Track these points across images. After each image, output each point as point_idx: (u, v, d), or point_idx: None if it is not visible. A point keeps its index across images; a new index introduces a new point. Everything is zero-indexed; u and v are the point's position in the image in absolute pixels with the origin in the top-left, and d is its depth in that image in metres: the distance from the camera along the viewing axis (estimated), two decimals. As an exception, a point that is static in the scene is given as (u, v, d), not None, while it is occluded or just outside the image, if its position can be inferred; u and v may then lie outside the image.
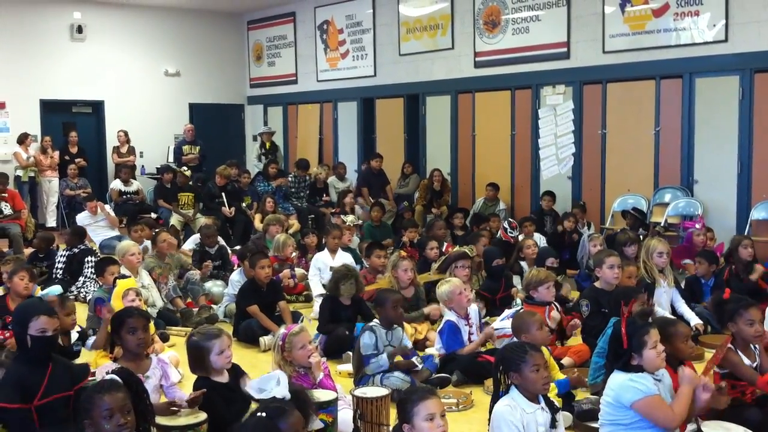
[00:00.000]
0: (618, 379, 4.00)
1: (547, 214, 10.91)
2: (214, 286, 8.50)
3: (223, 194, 12.24)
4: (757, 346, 4.67)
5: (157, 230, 8.89)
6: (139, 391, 3.64)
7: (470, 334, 6.00)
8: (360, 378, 5.38)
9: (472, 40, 12.53)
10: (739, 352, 4.58)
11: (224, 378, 4.48)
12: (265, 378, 3.81)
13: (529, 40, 11.75)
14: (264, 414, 3.03)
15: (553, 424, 3.85)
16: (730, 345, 4.62)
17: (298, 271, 8.85)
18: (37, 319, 4.25)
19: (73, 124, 14.89)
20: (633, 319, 4.13)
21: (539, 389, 3.84)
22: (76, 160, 13.99)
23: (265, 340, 6.72)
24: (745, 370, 4.54)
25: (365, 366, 5.39)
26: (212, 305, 7.97)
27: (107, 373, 3.73)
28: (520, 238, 9.06)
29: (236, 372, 4.59)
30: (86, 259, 8.32)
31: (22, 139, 13.65)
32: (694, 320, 6.42)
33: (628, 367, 3.97)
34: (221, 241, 9.63)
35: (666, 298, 6.59)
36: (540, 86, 11.75)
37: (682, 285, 7.31)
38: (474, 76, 12.56)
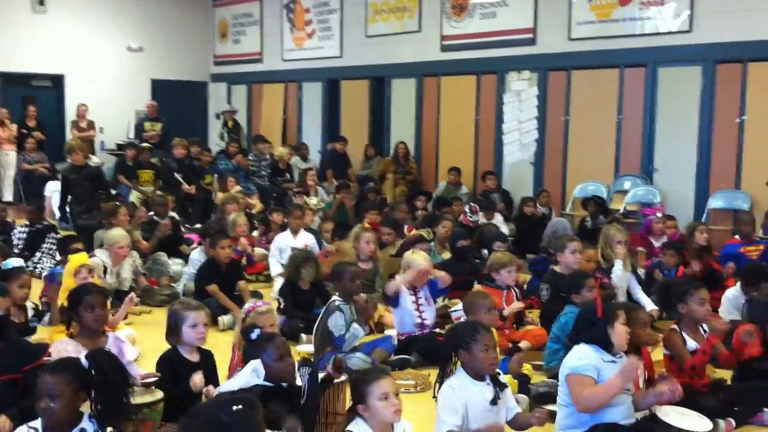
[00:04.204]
0: (572, 352, 4.07)
1: (493, 193, 11.01)
2: (173, 264, 8.44)
3: (180, 170, 12.06)
4: (707, 329, 4.77)
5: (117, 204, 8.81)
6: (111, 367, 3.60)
7: (419, 306, 6.06)
8: (321, 358, 5.38)
9: (439, 24, 12.50)
10: (684, 334, 4.68)
11: (194, 356, 4.47)
12: (245, 372, 3.86)
13: (496, 25, 11.75)
14: (242, 406, 2.87)
15: (494, 401, 3.87)
16: (674, 326, 4.73)
17: (259, 250, 8.82)
18: None
19: (32, 98, 14.63)
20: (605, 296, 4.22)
21: (486, 369, 3.87)
22: (34, 134, 13.74)
23: (224, 319, 6.71)
24: (682, 351, 4.64)
25: (339, 345, 5.41)
26: (172, 284, 7.91)
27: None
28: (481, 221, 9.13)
29: (207, 357, 4.58)
30: (48, 236, 8.22)
31: (-21, 112, 13.39)
32: (650, 306, 6.51)
33: (599, 338, 4.03)
34: (172, 213, 9.59)
35: (622, 284, 6.67)
36: (505, 72, 11.77)
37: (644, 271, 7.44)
38: (440, 59, 12.56)
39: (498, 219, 9.62)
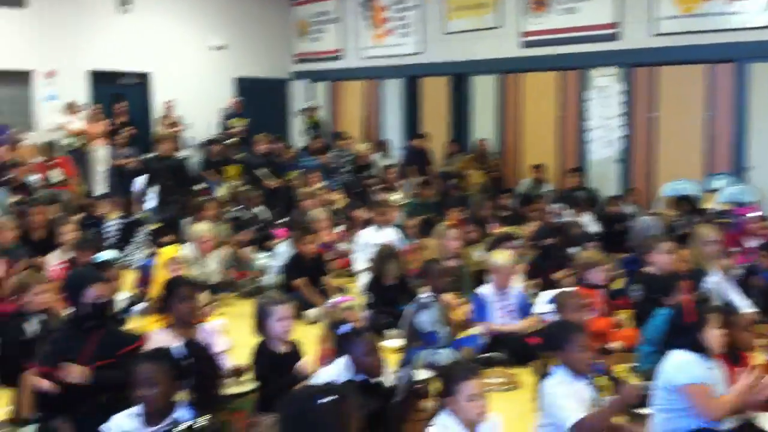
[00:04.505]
0: (674, 360, 3.97)
1: (577, 190, 10.83)
2: (259, 257, 8.58)
3: (264, 165, 12.24)
4: None
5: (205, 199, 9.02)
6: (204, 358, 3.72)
7: (509, 311, 6.07)
8: (409, 352, 5.40)
9: (519, 19, 12.37)
10: None
11: (283, 349, 4.55)
12: (337, 365, 3.92)
13: (578, 20, 11.55)
14: (332, 398, 2.90)
15: (593, 403, 3.86)
16: None
17: (342, 246, 8.88)
18: (93, 287, 4.34)
19: (120, 95, 15.01)
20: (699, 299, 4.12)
21: (583, 368, 3.88)
22: (125, 129, 14.05)
23: (310, 313, 6.77)
24: None
25: (429, 342, 5.40)
26: (258, 277, 8.05)
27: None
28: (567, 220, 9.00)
29: (295, 349, 4.65)
30: (139, 228, 8.47)
31: (72, 108, 13.77)
32: (746, 309, 6.31)
33: (694, 344, 3.94)
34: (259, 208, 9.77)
35: (717, 286, 6.48)
36: (588, 68, 11.58)
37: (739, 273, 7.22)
38: (521, 56, 12.41)
39: (586, 218, 9.45)
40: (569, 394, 3.79)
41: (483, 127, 13.21)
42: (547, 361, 3.95)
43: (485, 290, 6.14)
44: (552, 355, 3.93)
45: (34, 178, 11.02)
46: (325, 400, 2.80)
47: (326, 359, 4.69)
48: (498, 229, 7.96)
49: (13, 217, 8.29)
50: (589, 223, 9.32)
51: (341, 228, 9.43)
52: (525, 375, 5.45)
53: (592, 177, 11.58)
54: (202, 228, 7.79)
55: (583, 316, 5.18)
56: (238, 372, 4.86)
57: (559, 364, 3.89)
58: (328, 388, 3.06)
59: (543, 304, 6.05)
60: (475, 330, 6.07)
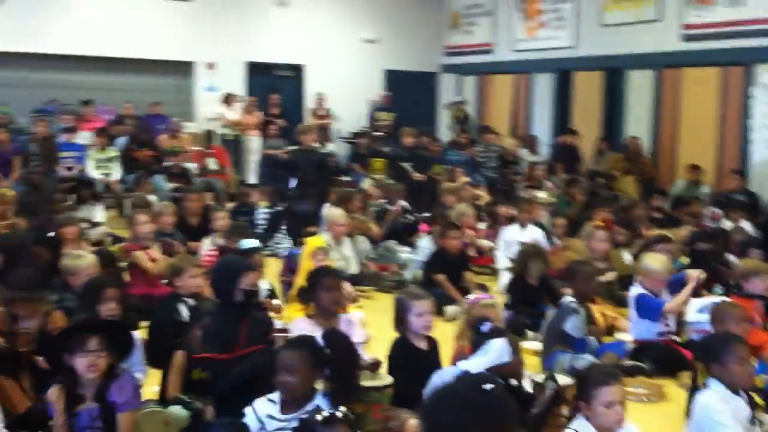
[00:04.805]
0: None
1: (737, 194, 10.21)
2: (402, 252, 8.61)
3: (409, 159, 12.29)
4: None
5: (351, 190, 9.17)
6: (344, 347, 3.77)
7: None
8: (549, 356, 5.28)
9: (681, 12, 11.81)
10: None
11: (423, 344, 4.54)
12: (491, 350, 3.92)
13: (746, 13, 10.90)
14: (494, 386, 2.71)
15: (753, 419, 3.65)
16: None
17: (485, 243, 8.79)
18: (248, 274, 4.44)
19: (275, 86, 15.46)
20: None
21: (743, 383, 3.67)
22: (278, 121, 14.47)
23: (449, 309, 6.73)
24: None
25: (577, 348, 5.27)
26: (400, 271, 8.08)
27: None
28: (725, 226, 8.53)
29: (434, 345, 4.64)
30: (287, 217, 8.72)
31: (228, 99, 14.29)
32: None
33: None
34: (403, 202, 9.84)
35: None
36: (754, 64, 10.92)
37: None
38: (681, 50, 11.86)
39: (745, 223, 8.92)
40: (727, 411, 3.58)
41: (637, 124, 12.72)
42: (701, 373, 3.75)
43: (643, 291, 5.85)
44: (707, 368, 3.73)
45: (191, 165, 11.55)
46: (490, 386, 2.64)
47: (462, 356, 4.64)
48: (649, 232, 7.62)
49: (172, 203, 8.73)
50: (749, 228, 8.78)
51: (485, 224, 9.34)
52: (670, 386, 5.22)
53: (754, 180, 10.92)
54: (335, 212, 7.95)
55: (742, 328, 4.88)
56: (375, 365, 4.88)
57: (714, 377, 3.68)
58: (488, 376, 2.98)
59: (696, 312, 5.76)
60: (622, 336, 5.87)
